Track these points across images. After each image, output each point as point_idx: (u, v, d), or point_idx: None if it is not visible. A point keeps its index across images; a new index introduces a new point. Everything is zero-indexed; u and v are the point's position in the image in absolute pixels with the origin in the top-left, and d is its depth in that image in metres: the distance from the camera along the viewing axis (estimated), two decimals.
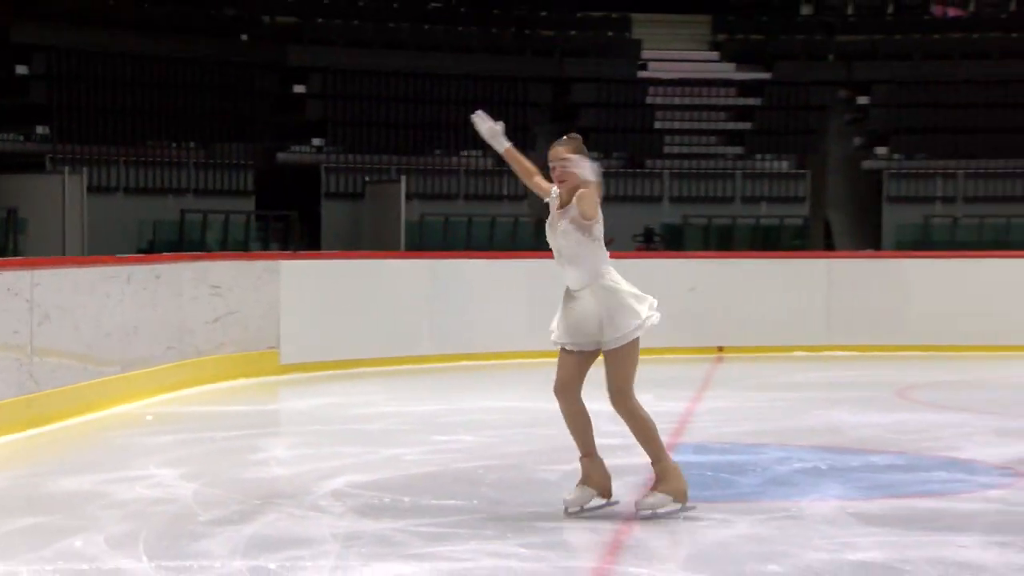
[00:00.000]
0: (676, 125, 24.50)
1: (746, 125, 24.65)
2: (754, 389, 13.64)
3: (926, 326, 17.25)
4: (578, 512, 7.30)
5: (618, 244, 21.19)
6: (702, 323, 16.83)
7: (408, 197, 21.88)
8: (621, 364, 7.22)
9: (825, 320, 17.17)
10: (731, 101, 24.86)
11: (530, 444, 9.95)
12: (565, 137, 7.47)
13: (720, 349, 16.90)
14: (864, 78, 24.98)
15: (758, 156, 24.37)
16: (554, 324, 7.41)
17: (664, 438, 9.94)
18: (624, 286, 7.21)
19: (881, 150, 24.47)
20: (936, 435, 10.41)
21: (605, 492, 7.37)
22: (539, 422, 11.07)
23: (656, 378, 14.44)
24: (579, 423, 7.45)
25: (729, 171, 23.98)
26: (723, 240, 23.01)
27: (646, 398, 12.32)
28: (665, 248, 22.60)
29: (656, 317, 7.26)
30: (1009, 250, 21.16)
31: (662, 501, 7.16)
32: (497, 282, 16.42)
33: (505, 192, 23.32)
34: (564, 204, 7.31)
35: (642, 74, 24.89)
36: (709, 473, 8.77)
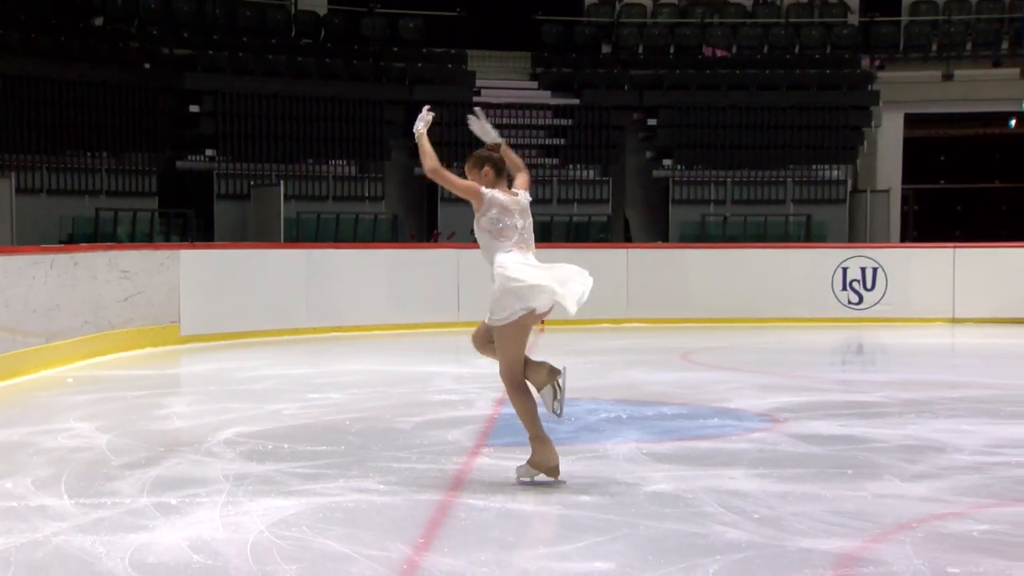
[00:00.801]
0: (504, 139, 24.54)
1: (560, 141, 24.74)
2: (570, 354, 13.76)
3: (704, 302, 17.53)
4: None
5: (460, 238, 21.17)
6: None
7: (286, 198, 21.61)
8: (501, 344, 6.65)
9: (624, 298, 17.32)
10: (548, 121, 24.92)
11: (387, 400, 9.91)
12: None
13: (542, 323, 16.92)
14: (653, 104, 25.18)
15: (570, 166, 24.48)
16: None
17: (496, 395, 10.00)
18: (513, 272, 6.53)
19: (667, 162, 24.72)
20: (711, 390, 10.56)
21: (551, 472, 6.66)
22: (396, 382, 11.04)
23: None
24: None
25: (547, 178, 24.05)
26: (543, 234, 23.07)
27: (483, 363, 12.38)
28: None
29: (544, 302, 6.60)
30: (766, 242, 21.59)
31: (528, 472, 6.64)
32: (360, 268, 16.31)
33: (366, 194, 23.13)
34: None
35: (476, 99, 24.83)
36: None
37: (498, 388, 10.55)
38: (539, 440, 6.67)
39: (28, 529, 5.69)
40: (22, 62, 20.51)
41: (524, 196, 6.88)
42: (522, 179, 7.00)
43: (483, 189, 6.75)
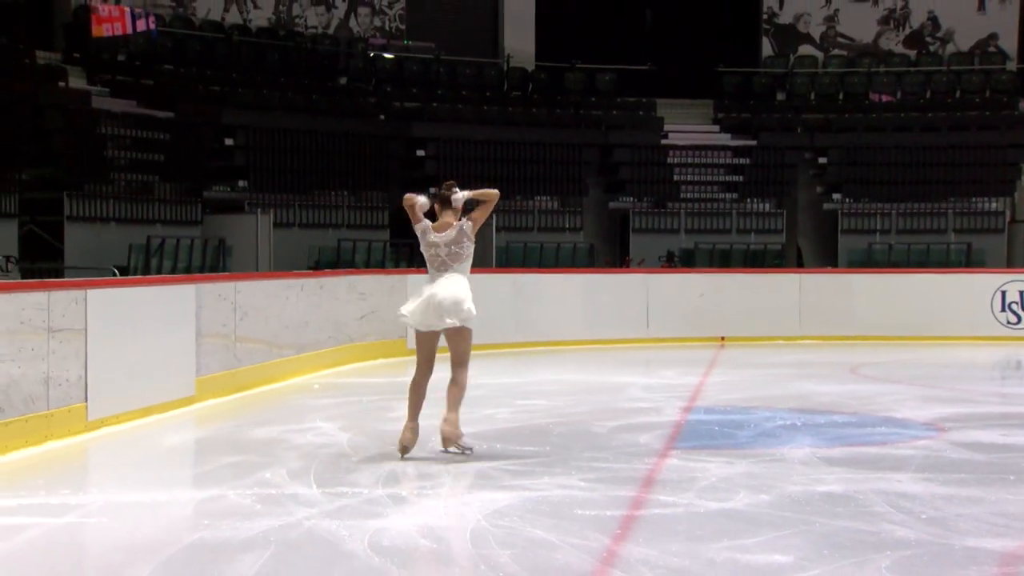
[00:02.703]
0: (689, 177, 24.27)
1: (739, 178, 24.37)
2: (747, 367, 13.52)
3: (870, 321, 17.04)
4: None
5: (648, 264, 21.11)
6: (709, 320, 16.70)
7: (497, 229, 21.78)
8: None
9: (797, 317, 16.98)
10: (728, 160, 24.58)
11: (585, 406, 9.89)
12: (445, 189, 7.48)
13: (722, 339, 16.74)
14: (823, 144, 24.63)
15: (748, 199, 24.10)
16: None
17: (683, 403, 9.91)
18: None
19: (836, 196, 24.11)
20: (878, 401, 10.25)
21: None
22: (592, 391, 11.01)
23: (676, 360, 14.38)
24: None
25: (727, 211, 23.72)
26: (723, 260, 22.77)
27: (670, 374, 12.20)
28: (682, 266, 22.40)
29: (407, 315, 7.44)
30: (927, 268, 20.84)
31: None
32: (560, 290, 16.38)
33: (567, 225, 23.19)
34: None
35: (664, 141, 24.70)
36: (716, 428, 8.68)
37: (684, 397, 10.43)
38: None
39: (283, 513, 5.86)
40: (280, 116, 21.36)
41: (458, 226, 7.29)
42: (477, 212, 7.40)
43: (417, 226, 7.36)
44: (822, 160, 24.63)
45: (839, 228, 23.60)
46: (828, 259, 23.77)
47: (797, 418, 9.10)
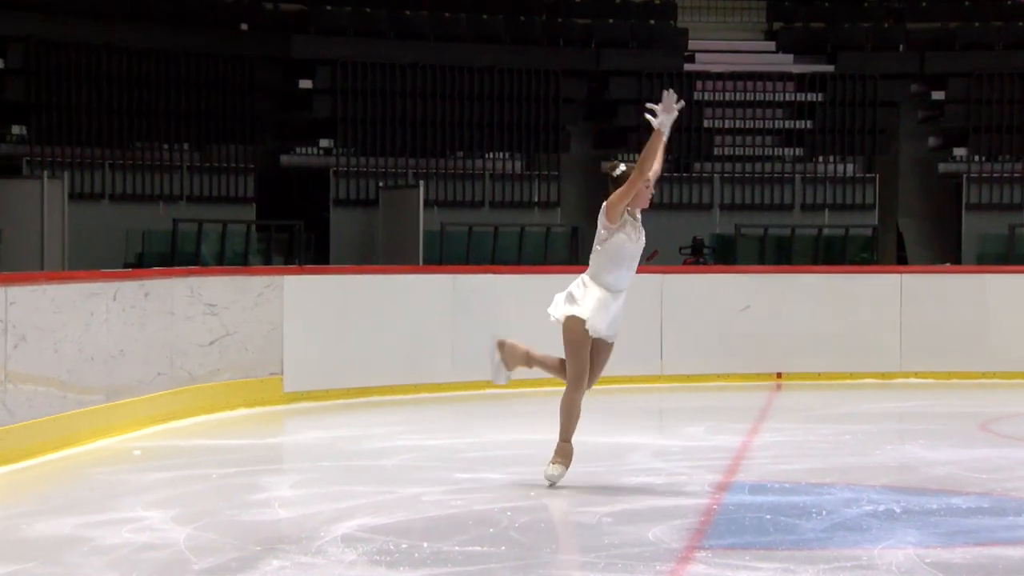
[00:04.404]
0: (727, 124, 24.49)
1: (806, 124, 24.60)
2: (817, 421, 13.55)
3: (1012, 350, 17.13)
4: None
5: (663, 257, 21.17)
6: (758, 346, 16.76)
7: (427, 205, 21.89)
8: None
9: (897, 343, 17.08)
10: (789, 96, 24.81)
11: (563, 482, 9.89)
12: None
13: (779, 376, 16.83)
14: (939, 70, 24.89)
15: (820, 158, 24.31)
16: (598, 318, 9.41)
17: (717, 476, 9.96)
18: None
19: (959, 151, 24.38)
20: (1022, 474, 10.31)
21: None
22: (576, 457, 11.01)
23: (708, 408, 14.38)
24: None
25: (787, 175, 23.92)
26: (781, 252, 22.96)
27: (696, 430, 12.32)
28: (716, 262, 22.56)
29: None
30: None
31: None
32: (526, 299, 16.36)
33: (536, 198, 23.30)
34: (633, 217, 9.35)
35: (688, 67, 24.86)
36: (768, 516, 8.70)
37: (718, 467, 10.47)
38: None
39: None
40: (78, 24, 21.19)
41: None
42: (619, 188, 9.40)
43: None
44: (938, 95, 24.89)
45: (963, 202, 23.85)
46: (947, 250, 24.01)
47: (895, 501, 9.15)
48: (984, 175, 24.01)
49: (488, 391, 15.57)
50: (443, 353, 15.66)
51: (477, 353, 15.75)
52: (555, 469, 9.55)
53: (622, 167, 9.35)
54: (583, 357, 9.36)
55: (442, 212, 22.54)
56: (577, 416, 9.55)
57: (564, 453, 9.58)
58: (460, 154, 23.38)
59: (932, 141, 24.82)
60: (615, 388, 15.90)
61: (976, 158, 24.23)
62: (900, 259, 24.21)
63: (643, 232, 9.45)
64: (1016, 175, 23.99)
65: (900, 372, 17.00)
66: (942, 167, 24.42)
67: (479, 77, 23.50)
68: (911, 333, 17.12)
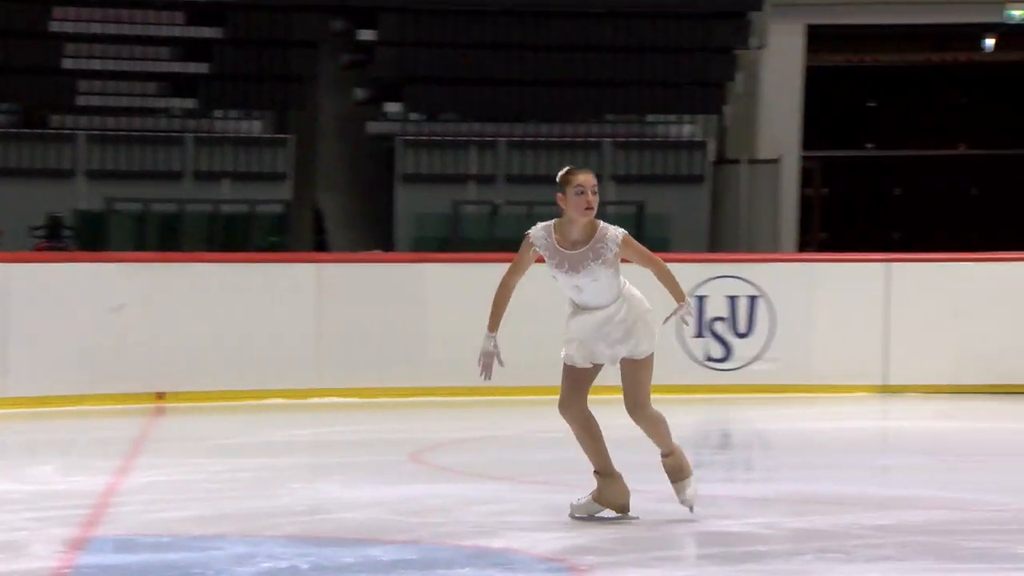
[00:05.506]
0: (97, 65, 24.35)
1: (201, 67, 24.70)
2: (208, 454, 13.65)
3: (457, 360, 17.54)
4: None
5: (7, 241, 20.91)
6: (134, 359, 16.80)
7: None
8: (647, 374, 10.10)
9: (313, 352, 17.36)
10: (178, 32, 24.89)
11: None
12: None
13: (160, 396, 16.88)
14: (368, 3, 25.35)
15: (218, 113, 24.50)
16: (571, 347, 10.04)
17: (71, 530, 9.91)
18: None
19: (393, 107, 24.94)
20: (460, 516, 10.64)
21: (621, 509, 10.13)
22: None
23: (62, 440, 14.28)
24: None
25: (175, 134, 24.01)
26: (167, 235, 23.06)
27: (45, 471, 12.27)
28: (80, 247, 22.38)
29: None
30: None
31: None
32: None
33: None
34: (578, 241, 9.88)
35: None
36: None
37: (72, 522, 10.43)
38: (610, 476, 10.06)
39: None
40: None
41: None
42: None
43: None
44: (366, 35, 25.36)
45: (396, 172, 24.36)
46: (377, 234, 24.51)
47: (303, 555, 9.30)
48: (423, 137, 24.59)
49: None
50: None
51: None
52: (691, 488, 10.43)
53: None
54: (565, 387, 10.17)
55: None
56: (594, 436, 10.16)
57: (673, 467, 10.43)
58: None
59: (359, 93, 25.26)
60: None
61: (412, 116, 24.82)
62: (319, 244, 24.56)
63: (585, 248, 9.87)
64: (461, 137, 24.66)
65: (316, 389, 17.25)
66: (371, 127, 24.86)
67: None
68: (331, 339, 17.42)
